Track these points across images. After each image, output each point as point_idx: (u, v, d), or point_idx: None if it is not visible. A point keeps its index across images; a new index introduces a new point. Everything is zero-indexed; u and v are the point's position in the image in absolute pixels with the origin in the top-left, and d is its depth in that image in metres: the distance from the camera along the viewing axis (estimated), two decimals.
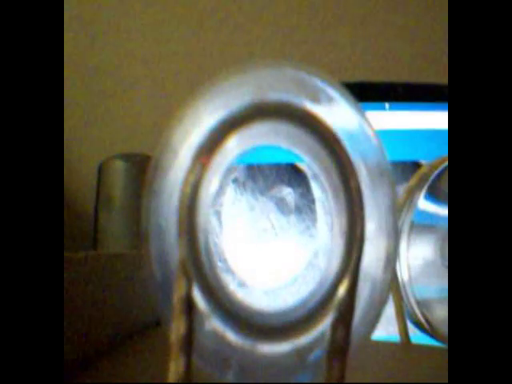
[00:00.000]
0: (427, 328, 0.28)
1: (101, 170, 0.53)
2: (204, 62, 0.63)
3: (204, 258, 0.16)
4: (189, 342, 0.16)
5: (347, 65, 0.63)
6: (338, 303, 0.15)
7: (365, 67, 0.63)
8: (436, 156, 0.31)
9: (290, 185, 0.53)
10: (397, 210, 0.17)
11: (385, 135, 0.47)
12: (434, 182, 0.30)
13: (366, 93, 0.53)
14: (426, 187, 0.30)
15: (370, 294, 0.17)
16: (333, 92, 0.16)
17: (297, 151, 0.18)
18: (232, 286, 0.51)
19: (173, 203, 0.16)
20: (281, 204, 0.53)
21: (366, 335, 0.17)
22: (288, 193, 0.53)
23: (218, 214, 0.52)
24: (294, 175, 0.53)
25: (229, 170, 0.22)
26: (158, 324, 0.33)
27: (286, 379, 0.17)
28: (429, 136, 0.52)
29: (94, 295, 0.25)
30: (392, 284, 0.27)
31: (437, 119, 0.52)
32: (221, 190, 0.23)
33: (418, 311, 0.27)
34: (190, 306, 0.16)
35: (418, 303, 0.27)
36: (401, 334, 0.29)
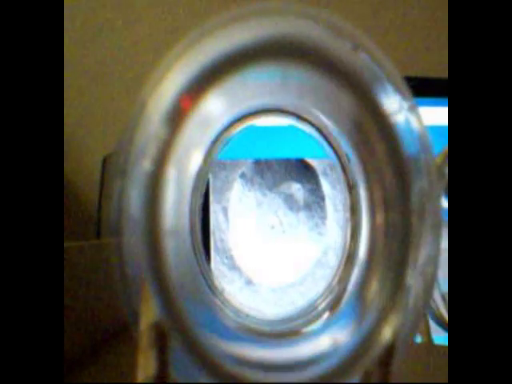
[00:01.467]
0: None
1: (105, 163, 0.53)
2: None
3: (179, 273, 0.12)
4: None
5: None
6: (381, 349, 0.12)
7: None
8: None
9: (299, 181, 0.52)
10: (440, 203, 0.14)
11: None
12: None
13: None
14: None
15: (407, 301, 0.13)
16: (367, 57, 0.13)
17: (310, 111, 0.15)
18: (239, 284, 0.49)
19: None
20: (289, 200, 0.52)
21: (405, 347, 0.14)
22: (297, 189, 0.52)
23: (224, 210, 0.51)
24: (303, 171, 0.52)
25: (214, 145, 0.18)
26: None
27: None
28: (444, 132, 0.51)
29: (95, 284, 0.25)
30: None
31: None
32: (206, 169, 0.19)
33: (443, 308, 0.26)
34: (162, 336, 0.12)
35: (444, 299, 0.25)
36: (422, 334, 0.27)
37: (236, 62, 0.12)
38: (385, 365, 0.12)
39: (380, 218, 0.13)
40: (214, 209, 0.50)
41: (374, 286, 0.13)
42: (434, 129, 0.55)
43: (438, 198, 0.14)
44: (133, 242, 0.12)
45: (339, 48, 0.12)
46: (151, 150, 0.12)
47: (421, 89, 0.51)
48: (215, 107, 0.13)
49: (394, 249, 0.13)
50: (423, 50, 0.62)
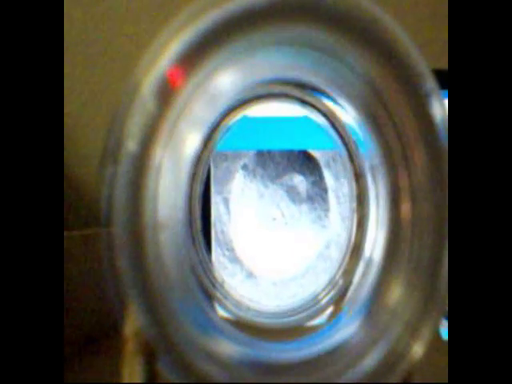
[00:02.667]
0: None
1: None
2: None
3: (160, 270, 0.11)
4: None
5: None
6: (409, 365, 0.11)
7: None
8: None
9: (301, 172, 0.51)
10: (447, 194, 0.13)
11: None
12: None
13: None
14: None
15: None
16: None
17: (325, 82, 0.14)
18: (240, 277, 0.49)
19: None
20: (292, 192, 0.51)
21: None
22: (300, 181, 0.51)
23: (226, 201, 0.50)
24: (306, 162, 0.51)
25: (215, 130, 0.17)
26: None
27: None
28: None
29: (94, 273, 0.24)
30: None
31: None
32: (207, 154, 0.18)
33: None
34: (148, 343, 0.11)
35: None
36: None
37: (240, 26, 0.10)
38: (406, 377, 0.11)
39: (406, 209, 0.12)
40: (215, 200, 0.50)
41: (397, 291, 0.12)
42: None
43: (446, 189, 0.13)
44: (118, 234, 0.11)
45: (360, 14, 0.11)
46: (137, 129, 0.11)
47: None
48: (216, 83, 0.11)
49: (424, 247, 0.11)
50: (423, 41, 0.62)
